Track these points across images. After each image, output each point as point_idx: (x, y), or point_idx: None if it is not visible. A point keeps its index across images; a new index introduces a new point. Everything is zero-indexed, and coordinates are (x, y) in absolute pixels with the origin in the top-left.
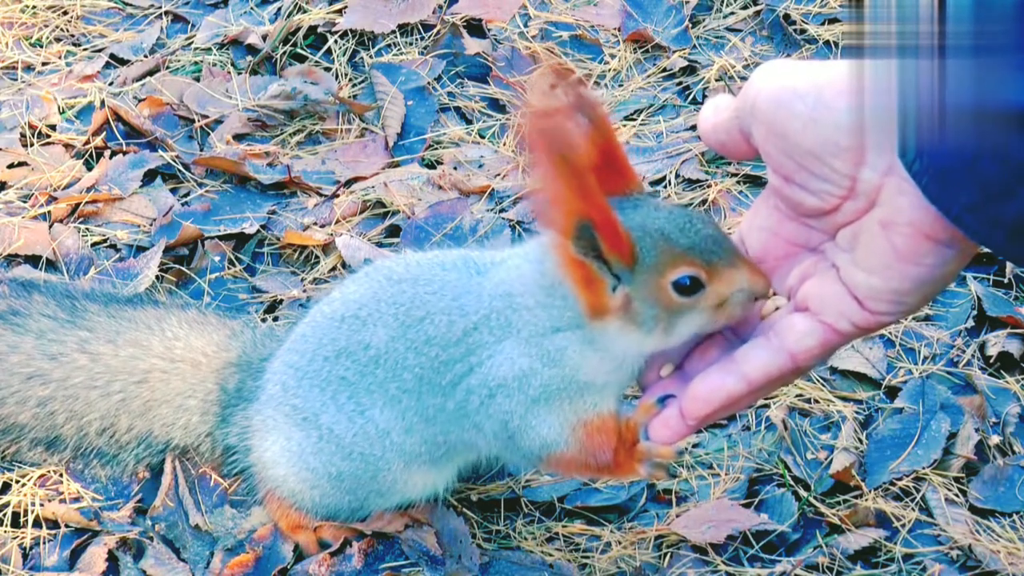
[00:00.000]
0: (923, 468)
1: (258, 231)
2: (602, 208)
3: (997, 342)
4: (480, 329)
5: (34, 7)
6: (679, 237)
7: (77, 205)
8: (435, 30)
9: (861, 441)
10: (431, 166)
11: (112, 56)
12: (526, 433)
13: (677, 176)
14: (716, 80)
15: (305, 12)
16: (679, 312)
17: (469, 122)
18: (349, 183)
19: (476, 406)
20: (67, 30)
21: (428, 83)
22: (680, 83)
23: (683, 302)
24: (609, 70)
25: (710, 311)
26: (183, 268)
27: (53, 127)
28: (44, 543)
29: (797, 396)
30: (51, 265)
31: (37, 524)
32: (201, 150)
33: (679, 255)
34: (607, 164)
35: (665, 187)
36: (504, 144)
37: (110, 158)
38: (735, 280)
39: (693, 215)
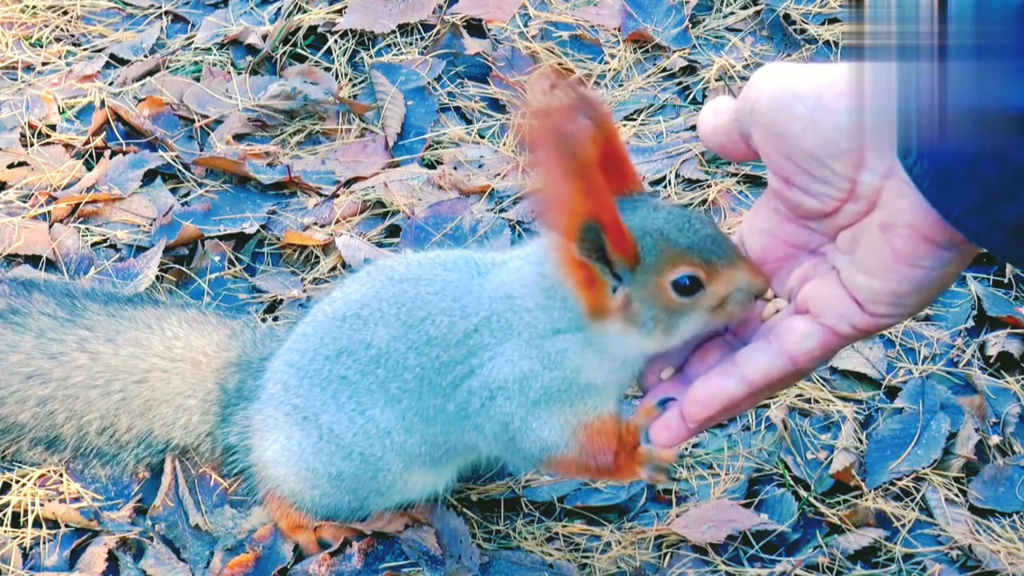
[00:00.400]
0: (923, 468)
1: (258, 231)
2: (609, 208)
3: (997, 342)
4: (481, 331)
5: (34, 7)
6: (678, 237)
7: (77, 205)
8: (435, 30)
9: (861, 441)
10: (431, 166)
11: (112, 56)
12: (527, 435)
13: (677, 176)
14: (716, 80)
15: (305, 12)
16: (679, 312)
17: (469, 122)
18: (349, 183)
19: (477, 408)
20: (67, 30)
21: (428, 83)
22: (680, 83)
23: (683, 302)
24: (609, 70)
25: (709, 311)
26: (183, 268)
27: (53, 127)
28: (44, 543)
29: (797, 396)
30: (51, 265)
31: (37, 524)
32: (201, 150)
33: (678, 255)
34: (609, 164)
35: (665, 187)
36: (504, 144)
37: (110, 158)
38: (734, 279)
39: (692, 215)
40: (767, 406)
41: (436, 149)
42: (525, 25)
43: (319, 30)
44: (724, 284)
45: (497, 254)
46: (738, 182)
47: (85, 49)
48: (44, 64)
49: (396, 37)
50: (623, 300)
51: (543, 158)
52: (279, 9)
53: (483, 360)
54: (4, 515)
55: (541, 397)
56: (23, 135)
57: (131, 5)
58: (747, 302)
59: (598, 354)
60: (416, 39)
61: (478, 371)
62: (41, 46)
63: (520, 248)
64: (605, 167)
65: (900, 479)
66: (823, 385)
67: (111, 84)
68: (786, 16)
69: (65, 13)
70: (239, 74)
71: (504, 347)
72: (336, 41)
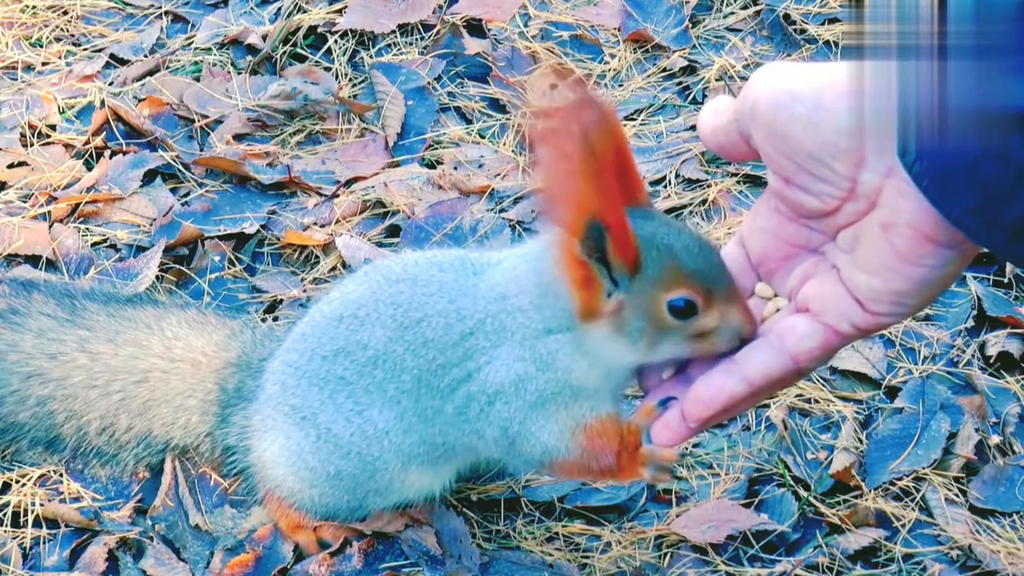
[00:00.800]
0: (923, 468)
1: (258, 231)
2: (617, 210)
3: (997, 342)
4: (476, 334)
5: (34, 7)
6: (686, 259)
7: (77, 205)
8: (435, 30)
9: (861, 441)
10: (431, 166)
11: (112, 56)
12: (527, 439)
13: (677, 176)
14: (716, 80)
15: (305, 12)
16: (665, 331)
17: (469, 122)
18: (349, 183)
19: (476, 413)
20: (67, 30)
21: (428, 83)
22: (680, 83)
23: (672, 323)
24: (609, 70)
25: (694, 338)
26: (183, 268)
27: (53, 127)
28: (44, 543)
29: (797, 396)
30: (51, 265)
31: (37, 524)
32: (201, 150)
33: (682, 277)
34: (618, 172)
35: (665, 187)
36: (504, 144)
37: (110, 158)
38: (727, 316)
39: (702, 240)
40: (767, 406)
41: (436, 149)
42: (525, 25)
43: (319, 30)
44: (716, 318)
45: (493, 253)
46: (738, 182)
47: (85, 49)
48: (44, 64)
49: (396, 37)
50: (616, 306)
51: (556, 152)
52: (279, 9)
53: (480, 364)
54: (4, 515)
55: (537, 399)
56: (23, 135)
57: (131, 5)
58: (732, 341)
59: (586, 357)
60: (416, 39)
61: (475, 375)
62: (41, 46)
63: (517, 247)
64: (616, 173)
65: (900, 479)
66: (823, 385)
67: (111, 84)
68: (786, 16)
69: (65, 13)
70: (239, 74)
71: (499, 351)
72: (336, 41)
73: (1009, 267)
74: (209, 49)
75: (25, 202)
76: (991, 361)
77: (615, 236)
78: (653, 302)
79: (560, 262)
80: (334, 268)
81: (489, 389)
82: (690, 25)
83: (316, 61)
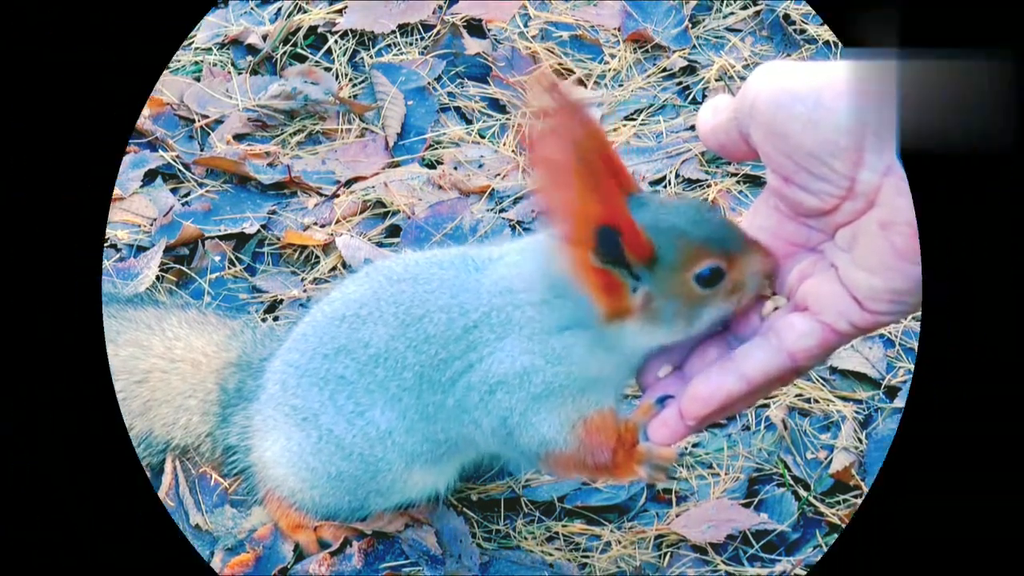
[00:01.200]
0: None
1: (258, 231)
2: (622, 211)
3: None
4: (480, 327)
5: None
6: (694, 230)
7: None
8: (435, 30)
9: (861, 441)
10: (431, 166)
11: None
12: (525, 430)
13: (677, 176)
14: (716, 80)
15: (305, 12)
16: (701, 303)
17: (469, 122)
18: (349, 183)
19: (475, 402)
20: None
21: (428, 83)
22: (680, 83)
23: (705, 293)
24: (609, 70)
25: (728, 297)
26: (183, 268)
27: None
28: None
29: (797, 396)
30: None
31: None
32: (201, 150)
33: (699, 248)
34: (609, 170)
35: (665, 187)
36: (504, 144)
37: None
38: (750, 264)
39: (700, 206)
40: (767, 406)
41: (436, 149)
42: (525, 25)
43: (319, 30)
44: (741, 270)
45: (493, 248)
46: (738, 182)
47: None
48: None
49: (396, 37)
50: (644, 299)
51: (550, 169)
52: (279, 9)
53: (483, 355)
54: None
55: (543, 391)
56: None
57: None
58: (761, 283)
59: (607, 351)
60: (416, 39)
61: (477, 366)
62: None
63: (517, 242)
64: (609, 173)
65: None
66: (823, 385)
67: None
68: (786, 16)
69: None
70: (239, 74)
71: (504, 343)
72: (336, 41)
73: None
74: (209, 49)
75: None
76: None
77: (627, 237)
78: (680, 282)
79: (576, 273)
80: (334, 268)
81: (491, 379)
82: (690, 25)
83: (316, 61)
